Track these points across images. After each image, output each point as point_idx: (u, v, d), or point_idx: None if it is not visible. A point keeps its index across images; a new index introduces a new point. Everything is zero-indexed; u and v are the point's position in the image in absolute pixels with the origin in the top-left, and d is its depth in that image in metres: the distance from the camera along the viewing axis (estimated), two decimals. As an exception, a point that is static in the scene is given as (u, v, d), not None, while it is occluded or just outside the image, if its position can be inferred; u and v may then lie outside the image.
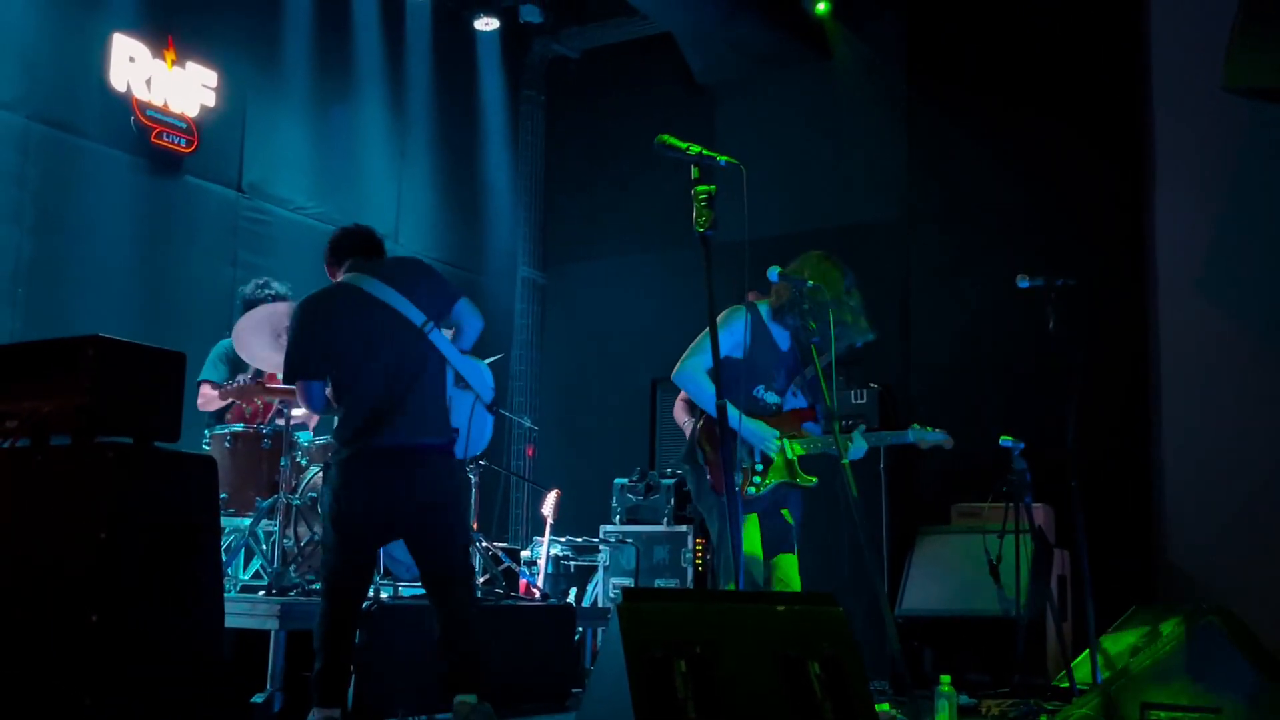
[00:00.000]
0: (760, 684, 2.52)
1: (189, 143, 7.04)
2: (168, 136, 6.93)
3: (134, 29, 6.78)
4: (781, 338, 4.85)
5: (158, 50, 6.90)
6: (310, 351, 4.18)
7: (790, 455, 4.70)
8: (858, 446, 4.69)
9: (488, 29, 9.19)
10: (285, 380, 4.39)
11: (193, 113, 7.07)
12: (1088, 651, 5.09)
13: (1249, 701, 4.03)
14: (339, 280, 4.43)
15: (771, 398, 4.81)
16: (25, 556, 2.78)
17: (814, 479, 4.68)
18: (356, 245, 4.49)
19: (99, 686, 2.66)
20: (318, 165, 8.02)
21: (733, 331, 4.64)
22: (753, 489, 4.65)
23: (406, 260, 4.71)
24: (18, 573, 2.76)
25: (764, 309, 4.79)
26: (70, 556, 2.71)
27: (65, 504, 2.76)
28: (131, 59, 6.76)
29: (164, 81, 6.92)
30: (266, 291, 6.23)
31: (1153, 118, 7.54)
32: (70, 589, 2.69)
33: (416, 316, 4.25)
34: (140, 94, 6.79)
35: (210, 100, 7.18)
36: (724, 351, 4.47)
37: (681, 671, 2.44)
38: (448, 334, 4.43)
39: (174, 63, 6.98)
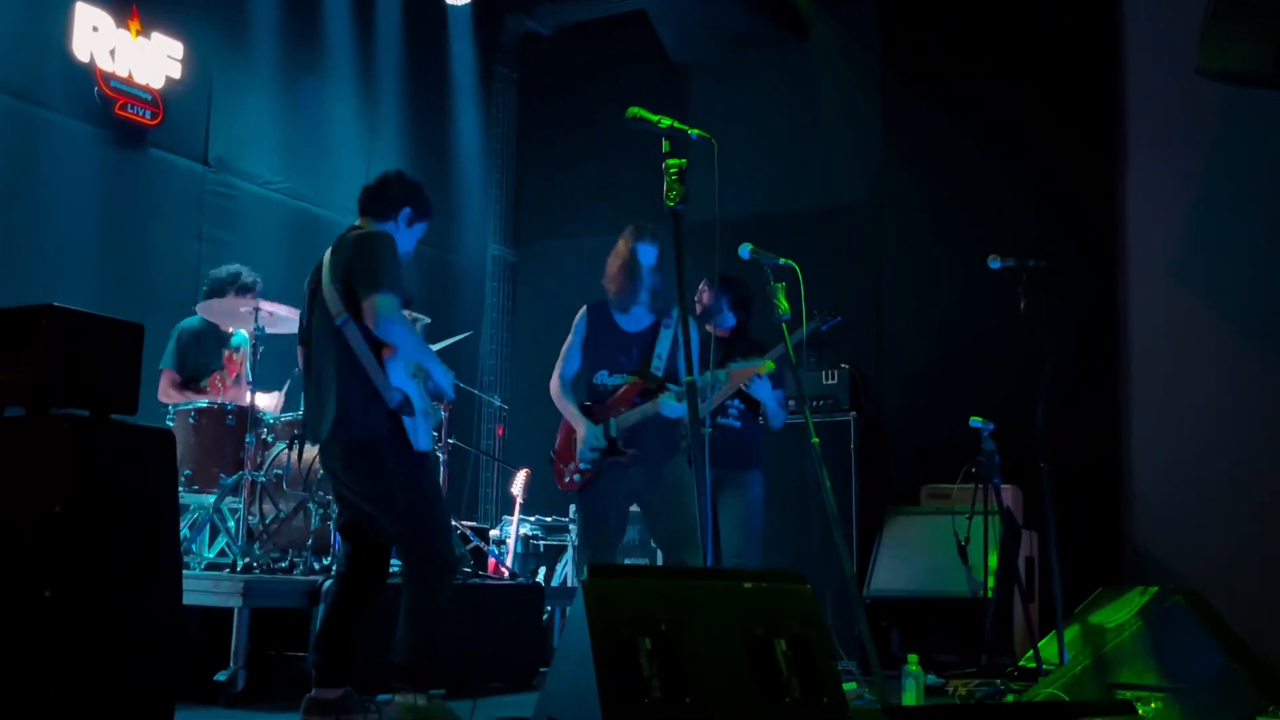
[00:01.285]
0: (727, 662, 2.49)
1: (154, 115, 6.92)
2: (132, 108, 6.80)
3: (97, -2, 6.67)
4: (632, 320, 4.91)
5: (121, 20, 6.76)
6: None
7: (613, 433, 4.79)
8: (669, 407, 4.68)
9: (459, 4, 9.08)
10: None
11: (158, 84, 6.94)
12: (1054, 632, 5.10)
13: (1214, 681, 4.04)
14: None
15: (614, 379, 4.88)
16: (-22, 531, 2.71)
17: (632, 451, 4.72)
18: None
19: (53, 665, 2.60)
20: (285, 140, 7.91)
21: (575, 332, 4.99)
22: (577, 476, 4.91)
23: (354, 237, 4.31)
24: (-30, 547, 2.70)
25: (611, 300, 4.92)
26: (24, 531, 2.65)
27: (19, 477, 2.70)
28: (95, 29, 6.63)
29: (128, 52, 6.79)
30: (240, 283, 6.14)
31: (1126, 101, 7.55)
32: (24, 565, 2.63)
33: (334, 305, 4.13)
34: (104, 65, 6.67)
35: (175, 72, 7.06)
36: (575, 350, 4.93)
37: (646, 649, 2.41)
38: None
39: (138, 33, 6.86)
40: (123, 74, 6.76)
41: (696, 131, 3.46)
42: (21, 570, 2.63)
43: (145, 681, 2.78)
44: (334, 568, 5.33)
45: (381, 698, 4.13)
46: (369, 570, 4.18)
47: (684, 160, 3.43)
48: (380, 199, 4.46)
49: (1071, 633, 5.04)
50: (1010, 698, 5.11)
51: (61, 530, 2.65)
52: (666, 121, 3.48)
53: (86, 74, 6.61)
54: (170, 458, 2.91)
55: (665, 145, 3.45)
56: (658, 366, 4.80)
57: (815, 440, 4.17)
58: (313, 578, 5.17)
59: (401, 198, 4.47)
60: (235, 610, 4.78)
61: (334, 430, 4.11)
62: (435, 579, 4.30)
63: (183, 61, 7.10)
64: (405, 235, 4.45)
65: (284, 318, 5.75)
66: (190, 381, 6.16)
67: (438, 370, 4.30)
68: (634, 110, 3.58)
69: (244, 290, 6.09)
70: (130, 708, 2.75)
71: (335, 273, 4.15)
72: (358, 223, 4.43)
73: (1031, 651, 5.36)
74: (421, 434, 4.21)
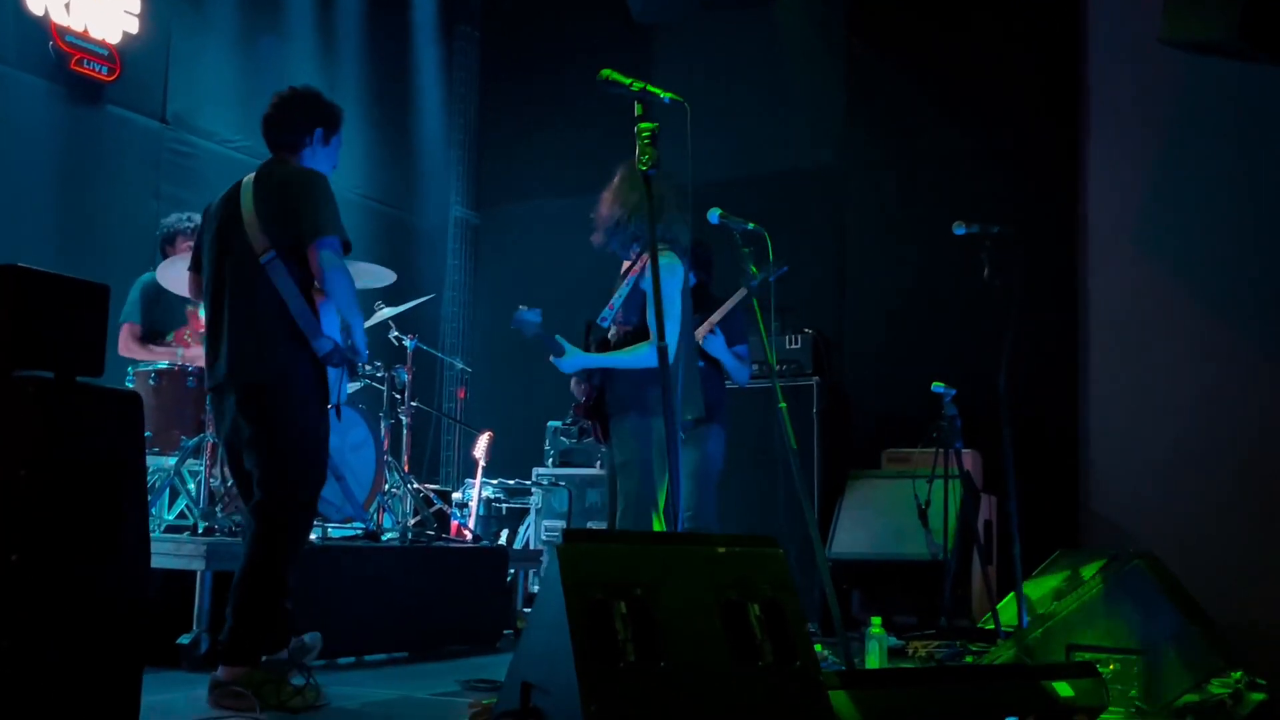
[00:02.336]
0: (700, 626, 2.51)
1: (110, 71, 6.79)
2: (88, 64, 6.67)
3: (52, -51, 6.52)
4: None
5: (77, -28, 6.63)
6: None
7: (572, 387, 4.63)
8: (560, 362, 4.50)
9: (422, -39, 8.99)
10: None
11: (114, 39, 6.81)
12: (1013, 594, 5.17)
13: (1171, 642, 4.11)
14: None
15: (604, 324, 4.59)
16: (-60, 494, 2.67)
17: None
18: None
19: (19, 629, 2.57)
20: (244, 97, 7.76)
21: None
22: None
23: (282, 173, 4.07)
24: (-67, 511, 2.66)
25: None
26: (-12, 494, 2.62)
27: (-18, 440, 2.66)
28: (49, -19, 6.49)
29: (84, 6, 6.64)
30: (189, 225, 6.08)
31: (1088, 69, 7.59)
32: (-11, 528, 2.60)
33: (258, 242, 3.90)
34: (59, 18, 6.52)
35: (133, 27, 6.92)
36: None
37: (621, 613, 2.42)
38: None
39: (95, -14, 6.72)
40: (78, 28, 6.62)
41: (669, 95, 3.44)
42: (-13, 534, 2.59)
43: (113, 645, 2.75)
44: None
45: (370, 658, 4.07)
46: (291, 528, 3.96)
47: (656, 124, 3.41)
48: (288, 127, 4.09)
49: (1029, 595, 5.11)
50: (969, 659, 5.19)
51: (27, 494, 2.62)
52: (639, 85, 3.46)
53: (41, 28, 6.48)
54: (137, 420, 2.88)
55: (638, 109, 3.42)
56: (605, 316, 4.53)
57: (783, 405, 4.19)
58: (276, 541, 5.14)
59: (308, 118, 4.12)
60: (198, 573, 4.76)
61: (251, 369, 3.88)
62: (301, 536, 4.07)
63: (140, 16, 6.97)
64: (325, 155, 4.17)
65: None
66: (153, 336, 6.07)
67: (360, 330, 4.06)
68: (606, 72, 3.54)
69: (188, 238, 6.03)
70: (98, 671, 2.73)
71: (262, 208, 3.90)
72: (275, 158, 4.11)
73: (990, 614, 5.43)
74: (340, 387, 4.04)
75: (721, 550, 2.63)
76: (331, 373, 3.98)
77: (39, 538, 2.62)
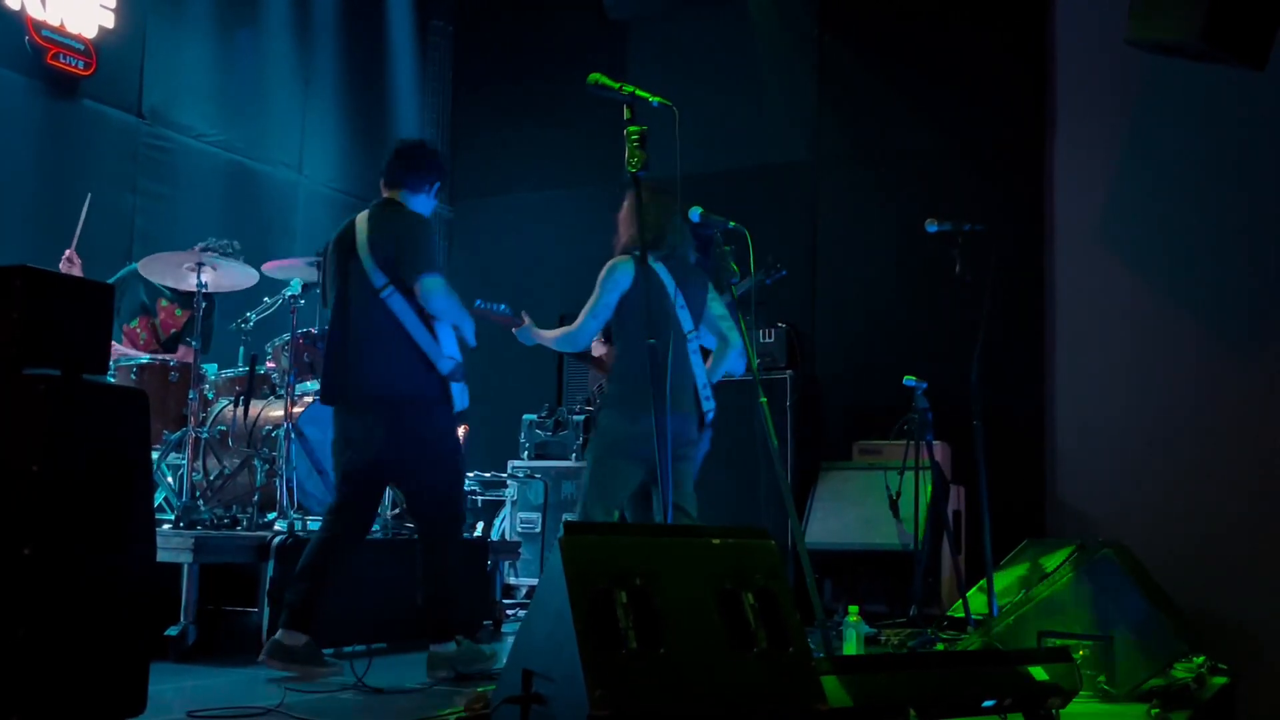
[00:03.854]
0: (698, 614, 2.60)
1: (87, 65, 6.79)
2: (64, 58, 6.67)
3: (27, -57, 6.51)
4: None
5: (53, -34, 6.63)
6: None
7: None
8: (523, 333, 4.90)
9: (396, -44, 9.01)
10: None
11: (90, 34, 6.81)
12: (983, 582, 5.30)
13: (1139, 629, 4.26)
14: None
15: None
16: (-48, 490, 2.73)
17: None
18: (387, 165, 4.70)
19: (33, 619, 2.64)
20: (221, 92, 7.80)
21: None
22: None
23: (393, 209, 4.63)
24: (-55, 506, 2.72)
25: None
26: (1, 490, 2.67)
27: (-6, 437, 2.72)
28: (25, -25, 6.49)
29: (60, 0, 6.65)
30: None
31: (1055, 67, 7.73)
32: (2, 523, 2.66)
33: (376, 277, 4.41)
34: (35, 12, 6.52)
35: (109, 21, 6.92)
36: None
37: (622, 603, 2.51)
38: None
39: (71, -20, 6.72)
40: (54, 22, 6.62)
41: (658, 99, 3.52)
42: (1, 528, 2.65)
43: (121, 634, 2.82)
44: (288, 523, 5.35)
45: (349, 649, 4.24)
46: (364, 524, 4.56)
47: (645, 127, 3.50)
48: (418, 172, 4.66)
49: (998, 583, 5.25)
50: (940, 646, 5.31)
51: (38, 488, 2.68)
52: (628, 89, 3.54)
53: (17, 21, 6.46)
54: (143, 416, 2.94)
55: (626, 112, 3.50)
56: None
57: (763, 399, 4.27)
58: (260, 534, 5.21)
59: (433, 171, 4.72)
60: (185, 566, 4.81)
61: (381, 388, 4.40)
62: (455, 535, 4.56)
63: (116, 11, 6.96)
64: (430, 202, 4.74)
65: (228, 274, 5.73)
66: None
67: (467, 324, 4.58)
68: (594, 76, 3.63)
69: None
70: (107, 660, 2.80)
71: (377, 250, 4.43)
72: (390, 195, 4.63)
73: (960, 601, 5.56)
74: (464, 396, 4.55)
75: (717, 542, 2.73)
76: (455, 386, 4.49)
77: (50, 530, 2.69)
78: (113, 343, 5.93)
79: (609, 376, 4.78)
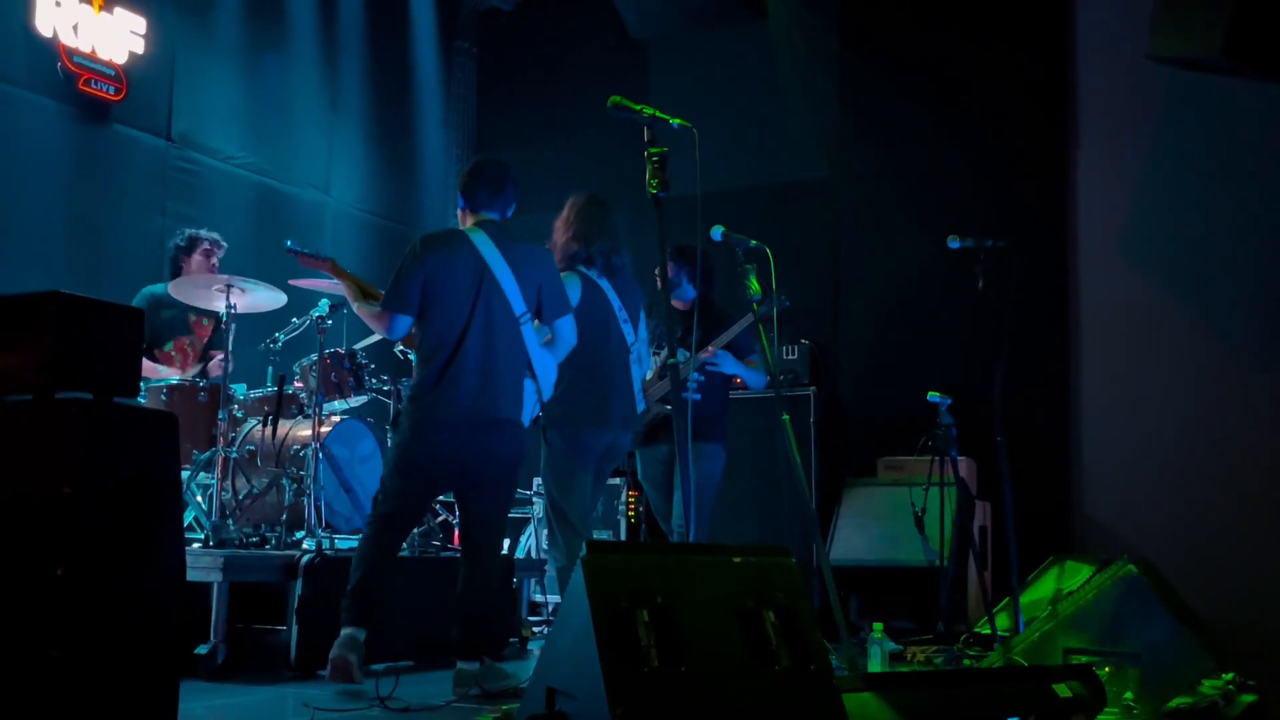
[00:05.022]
0: (719, 632, 2.62)
1: (117, 90, 6.90)
2: (95, 84, 6.78)
3: (60, -28, 6.63)
4: None
5: (84, -6, 6.75)
6: (408, 286, 4.49)
7: None
8: None
9: (420, -21, 9.12)
10: (383, 306, 4.59)
11: (121, 60, 6.92)
12: (1009, 599, 5.28)
13: (1165, 646, 4.23)
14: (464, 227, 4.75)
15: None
16: (-13, 512, 2.78)
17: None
18: (489, 192, 4.79)
19: (66, 639, 2.68)
20: (248, 115, 7.91)
21: None
22: None
23: (538, 250, 4.86)
24: (-20, 528, 2.77)
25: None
26: (34, 512, 2.72)
27: (28, 460, 2.76)
28: (57, 3, 6.59)
29: (91, 27, 6.76)
30: (200, 245, 6.21)
31: (1077, 81, 7.73)
32: (35, 544, 2.71)
33: (518, 305, 4.56)
34: (67, 40, 6.64)
35: (139, 47, 7.04)
36: None
37: (644, 621, 2.54)
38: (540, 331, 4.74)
39: (101, 7, 6.83)
40: (86, 49, 6.73)
41: (678, 121, 3.56)
42: (34, 549, 2.70)
43: (152, 653, 2.86)
44: (316, 542, 5.39)
45: (375, 667, 4.27)
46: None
47: (665, 149, 3.53)
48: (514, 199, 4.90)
49: (1024, 600, 5.23)
50: (967, 663, 5.30)
51: (70, 510, 2.73)
52: (649, 111, 3.58)
53: (49, 49, 6.58)
54: (173, 438, 2.99)
55: (646, 134, 3.54)
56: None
57: (786, 417, 4.30)
58: (289, 552, 5.25)
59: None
60: (214, 585, 4.86)
61: (519, 411, 4.57)
62: (500, 558, 4.79)
63: (145, 36, 7.08)
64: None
65: (257, 296, 5.79)
66: (148, 348, 6.16)
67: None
68: (615, 99, 3.66)
69: (207, 252, 6.16)
70: (138, 679, 2.84)
71: (527, 277, 4.60)
72: (506, 222, 4.82)
73: (986, 618, 5.55)
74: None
75: (738, 560, 2.75)
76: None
77: (82, 552, 2.73)
78: (148, 363, 6.05)
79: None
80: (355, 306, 4.81)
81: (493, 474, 4.57)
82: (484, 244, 4.60)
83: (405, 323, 4.54)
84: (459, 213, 4.84)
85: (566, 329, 4.69)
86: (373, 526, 4.57)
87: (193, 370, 6.23)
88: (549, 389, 4.72)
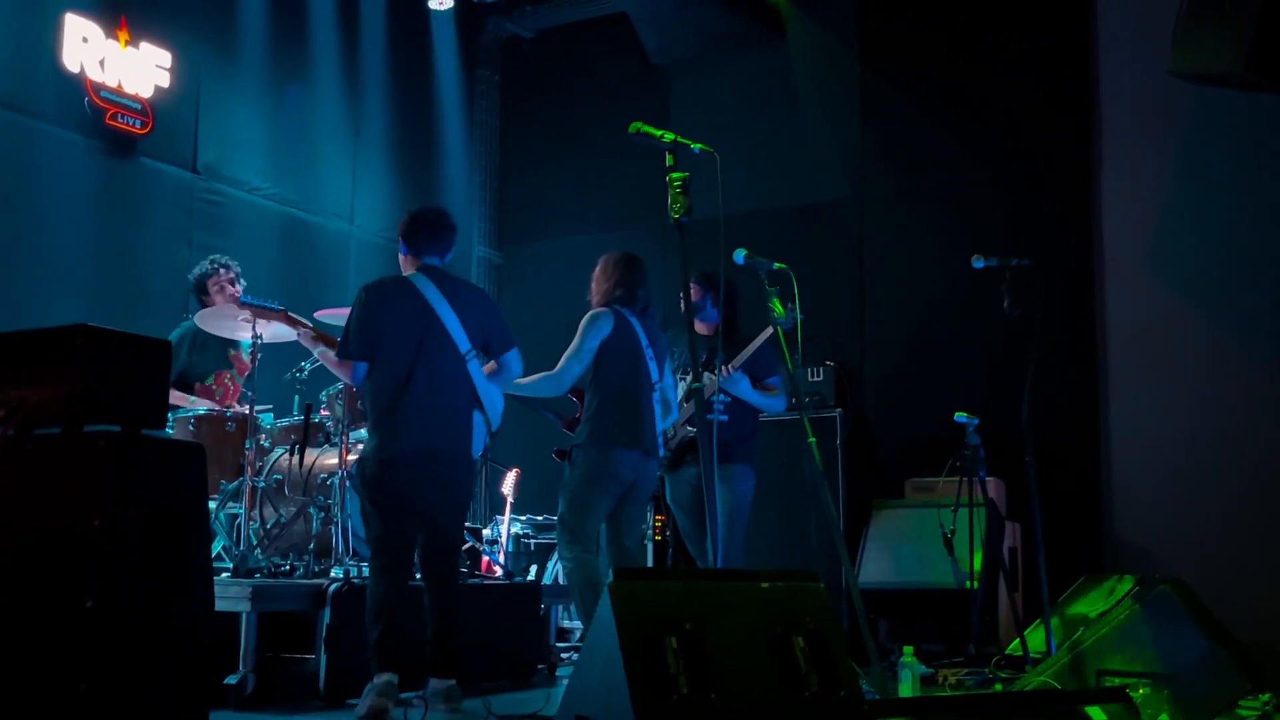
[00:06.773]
0: (748, 658, 2.61)
1: (144, 124, 6.98)
2: (122, 118, 6.86)
3: (86, 9, 6.70)
4: None
5: (110, 30, 6.82)
6: (359, 334, 4.66)
7: None
8: None
9: (442, 8, 9.17)
10: (339, 355, 4.76)
11: (147, 94, 7.00)
12: (1040, 620, 5.23)
13: (1200, 667, 4.17)
14: (406, 274, 4.85)
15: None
16: (17, 545, 2.80)
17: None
18: (428, 237, 4.87)
19: (96, 671, 2.69)
20: (273, 146, 7.98)
21: None
22: None
23: (478, 291, 5.15)
24: (11, 561, 2.79)
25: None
26: (64, 544, 2.74)
27: (58, 493, 2.78)
28: (84, 39, 6.68)
29: (117, 62, 6.84)
30: (217, 271, 6.27)
31: (1100, 98, 7.70)
32: (65, 576, 2.72)
33: (463, 343, 4.72)
34: (94, 75, 6.72)
35: (164, 81, 7.12)
36: None
37: (673, 648, 2.52)
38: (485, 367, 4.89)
39: (127, 43, 6.91)
40: (112, 84, 6.81)
41: (699, 146, 3.57)
42: (64, 582, 2.71)
43: (183, 685, 2.87)
44: (344, 570, 5.40)
45: (406, 695, 4.31)
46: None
47: (687, 174, 3.54)
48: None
49: (1056, 621, 5.18)
50: (999, 686, 5.25)
51: (100, 543, 2.74)
52: (670, 136, 3.59)
53: (77, 84, 6.66)
54: (201, 470, 3.00)
55: (669, 159, 3.55)
56: None
57: (812, 439, 4.29)
58: (317, 581, 5.25)
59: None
60: (243, 614, 4.86)
61: (470, 445, 4.76)
62: (457, 581, 4.88)
63: (171, 70, 7.16)
64: None
65: (282, 327, 5.81)
66: (187, 381, 6.20)
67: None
68: (637, 125, 3.68)
69: (229, 280, 6.21)
70: (168, 710, 2.84)
71: (470, 316, 4.76)
72: (446, 267, 4.92)
73: (1017, 640, 5.50)
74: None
75: (766, 585, 2.74)
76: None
77: (112, 584, 2.74)
78: (181, 394, 6.09)
79: (583, 418, 5.13)
80: (316, 353, 5.07)
81: (446, 504, 4.74)
82: (427, 288, 4.76)
83: (363, 368, 4.70)
84: (401, 259, 4.96)
85: (514, 361, 4.89)
86: (372, 569, 4.70)
87: (236, 404, 6.26)
88: (497, 420, 4.91)
